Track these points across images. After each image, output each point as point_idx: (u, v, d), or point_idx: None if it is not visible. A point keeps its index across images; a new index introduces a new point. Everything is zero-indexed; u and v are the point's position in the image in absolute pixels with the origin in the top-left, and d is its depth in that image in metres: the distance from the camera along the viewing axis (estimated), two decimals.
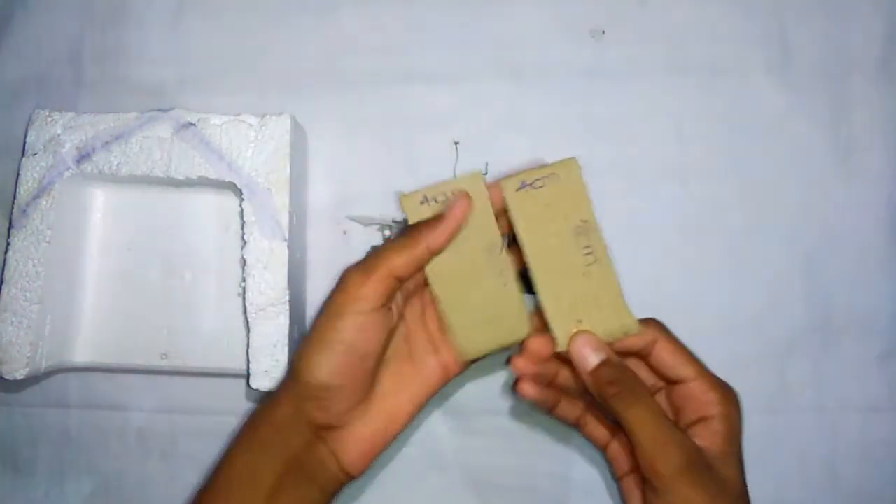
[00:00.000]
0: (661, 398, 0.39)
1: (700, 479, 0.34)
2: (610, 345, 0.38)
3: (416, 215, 0.39)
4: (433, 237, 0.37)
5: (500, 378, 0.51)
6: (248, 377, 0.46)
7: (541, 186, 0.38)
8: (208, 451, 0.52)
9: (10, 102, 0.55)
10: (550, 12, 0.53)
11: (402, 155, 0.53)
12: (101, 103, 0.54)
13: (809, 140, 0.52)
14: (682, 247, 0.52)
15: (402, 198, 0.39)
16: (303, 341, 0.37)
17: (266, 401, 0.39)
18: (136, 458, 0.53)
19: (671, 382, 0.39)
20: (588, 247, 0.38)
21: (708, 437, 0.36)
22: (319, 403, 0.37)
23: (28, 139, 0.48)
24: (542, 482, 0.51)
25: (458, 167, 0.52)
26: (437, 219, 0.37)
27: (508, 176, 0.39)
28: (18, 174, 0.48)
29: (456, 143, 0.52)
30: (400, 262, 0.36)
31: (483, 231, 0.39)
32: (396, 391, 0.39)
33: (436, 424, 0.52)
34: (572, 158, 0.38)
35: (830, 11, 0.52)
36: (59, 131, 0.48)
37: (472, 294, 0.39)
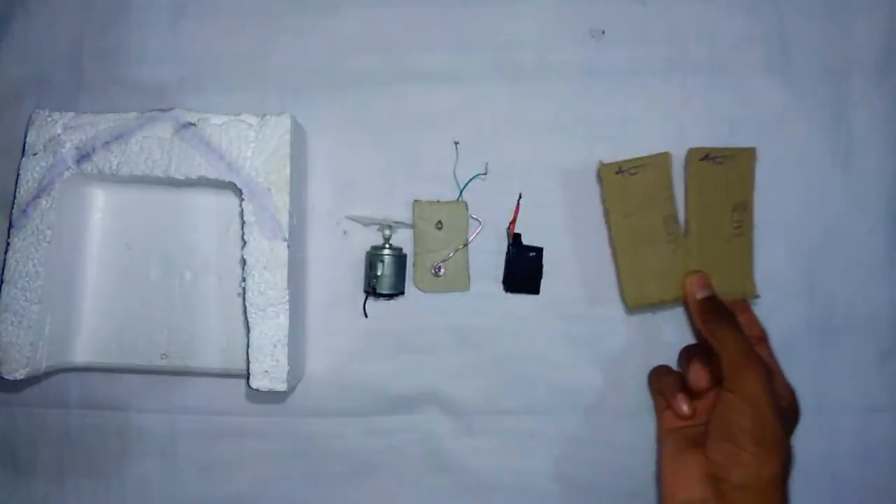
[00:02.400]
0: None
1: (764, 379, 0.42)
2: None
3: (612, 183, 0.48)
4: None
5: (500, 378, 0.52)
6: (248, 377, 0.46)
7: (721, 163, 0.48)
8: (208, 451, 0.53)
9: (10, 102, 0.55)
10: (550, 12, 0.53)
11: (402, 155, 0.53)
12: (101, 103, 0.54)
13: (809, 140, 0.52)
14: None
15: (600, 167, 0.49)
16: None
17: None
18: (136, 458, 0.53)
19: None
20: (739, 221, 0.48)
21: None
22: None
23: (28, 139, 0.48)
24: (542, 482, 0.51)
25: (458, 167, 0.52)
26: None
27: (692, 150, 0.48)
28: (18, 174, 0.48)
29: (456, 143, 0.52)
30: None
31: (663, 204, 0.48)
32: None
33: (436, 424, 0.52)
34: (752, 148, 0.49)
35: (830, 11, 0.52)
36: (59, 131, 0.48)
37: (646, 252, 0.48)
